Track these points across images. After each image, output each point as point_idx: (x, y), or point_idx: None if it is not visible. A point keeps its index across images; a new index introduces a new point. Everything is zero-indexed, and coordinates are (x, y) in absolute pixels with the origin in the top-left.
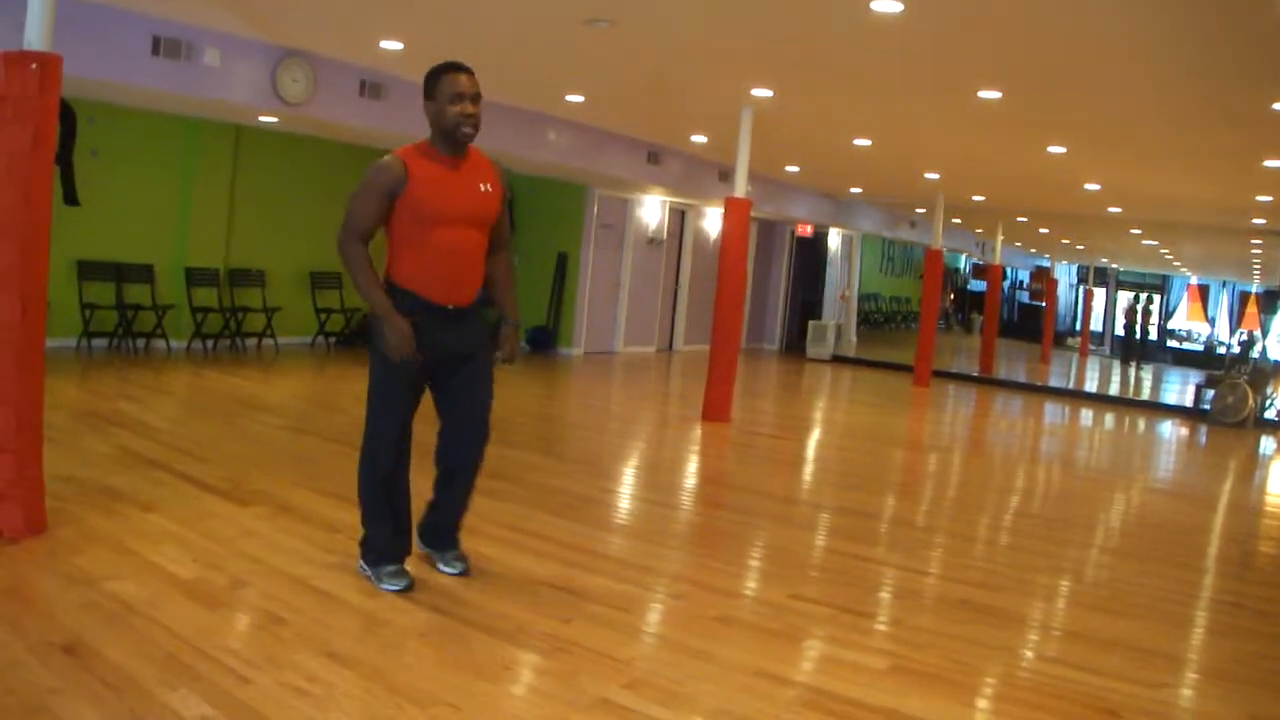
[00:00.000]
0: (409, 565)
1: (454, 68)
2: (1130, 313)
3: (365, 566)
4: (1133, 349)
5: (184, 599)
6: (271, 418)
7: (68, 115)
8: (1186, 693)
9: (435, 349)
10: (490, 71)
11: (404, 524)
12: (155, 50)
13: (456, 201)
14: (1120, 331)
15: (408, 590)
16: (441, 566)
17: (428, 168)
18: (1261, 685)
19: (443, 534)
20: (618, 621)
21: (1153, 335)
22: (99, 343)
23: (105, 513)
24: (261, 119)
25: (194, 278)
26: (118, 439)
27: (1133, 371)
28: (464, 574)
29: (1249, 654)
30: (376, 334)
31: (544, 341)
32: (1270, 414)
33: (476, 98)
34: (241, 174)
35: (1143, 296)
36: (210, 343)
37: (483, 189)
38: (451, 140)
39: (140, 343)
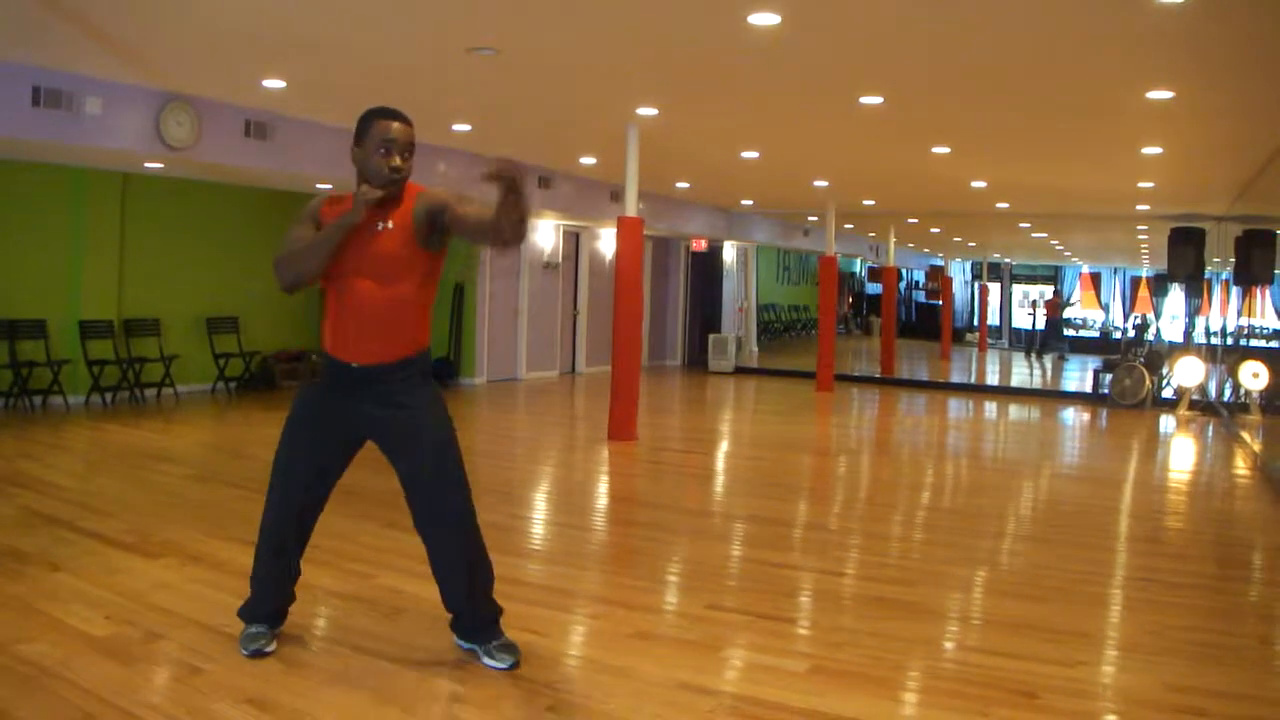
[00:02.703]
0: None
1: (387, 113)
2: (1053, 306)
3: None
4: (1056, 339)
5: (98, 656)
6: (175, 468)
7: None
8: (1104, 668)
9: (337, 419)
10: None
11: (280, 591)
12: (36, 101)
13: (348, 252)
14: (1042, 325)
15: (256, 656)
16: (486, 661)
17: (337, 214)
18: (1175, 655)
19: (468, 623)
20: (537, 646)
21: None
22: None
23: (11, 576)
24: (148, 165)
25: (88, 330)
26: (20, 499)
27: (1049, 362)
28: (514, 666)
29: (1161, 625)
30: (298, 393)
31: (445, 372)
32: (1167, 393)
33: (408, 149)
34: (131, 222)
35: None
36: (109, 396)
37: (379, 227)
38: None
39: (37, 400)
